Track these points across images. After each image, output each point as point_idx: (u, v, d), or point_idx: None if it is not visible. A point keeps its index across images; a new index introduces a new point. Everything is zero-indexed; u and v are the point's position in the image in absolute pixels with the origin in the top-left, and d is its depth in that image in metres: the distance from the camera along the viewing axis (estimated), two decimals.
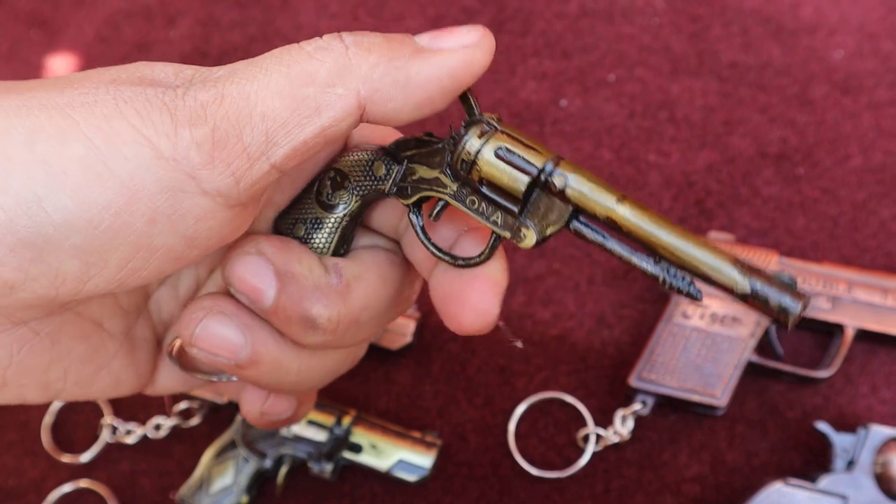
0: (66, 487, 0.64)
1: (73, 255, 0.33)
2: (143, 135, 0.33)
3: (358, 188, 0.41)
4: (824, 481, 0.59)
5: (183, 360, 0.45)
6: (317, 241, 0.42)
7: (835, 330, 0.66)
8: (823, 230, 0.72)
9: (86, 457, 0.65)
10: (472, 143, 0.38)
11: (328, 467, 0.62)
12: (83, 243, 0.33)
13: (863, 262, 0.70)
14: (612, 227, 0.37)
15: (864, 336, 0.66)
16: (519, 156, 0.38)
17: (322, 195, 0.42)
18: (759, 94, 0.79)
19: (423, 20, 0.85)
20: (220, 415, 0.66)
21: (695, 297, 0.38)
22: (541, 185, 0.38)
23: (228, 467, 0.61)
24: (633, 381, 0.64)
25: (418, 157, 0.40)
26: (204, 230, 0.35)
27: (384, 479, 0.63)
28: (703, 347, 0.64)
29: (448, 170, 0.39)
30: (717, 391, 0.63)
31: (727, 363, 0.63)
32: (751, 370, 0.65)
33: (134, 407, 0.67)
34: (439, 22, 0.85)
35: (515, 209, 0.38)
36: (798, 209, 0.73)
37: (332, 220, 0.42)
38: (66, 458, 0.65)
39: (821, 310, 0.65)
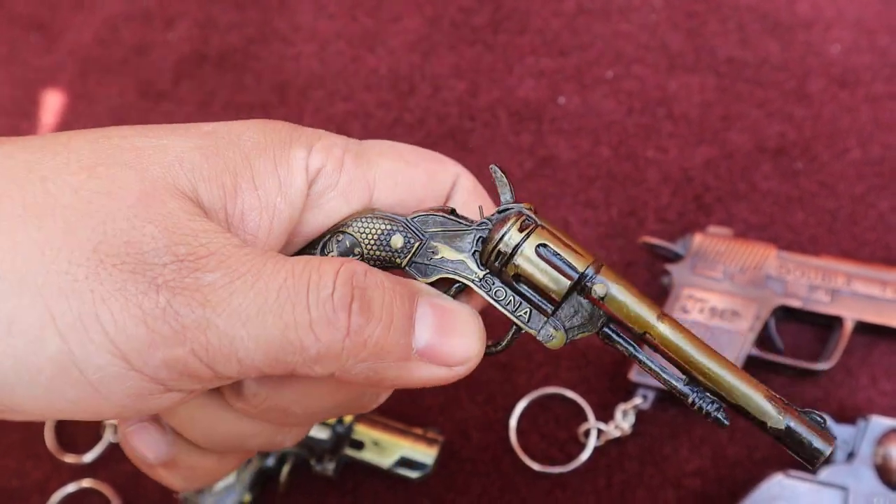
0: (70, 488, 0.64)
1: (36, 413, 0.33)
2: (116, 346, 0.32)
3: (369, 257, 0.38)
4: (825, 473, 0.59)
5: None
6: None
7: (834, 323, 0.66)
8: (822, 224, 0.72)
9: (89, 457, 0.65)
10: (512, 236, 0.36)
11: (330, 465, 0.62)
12: (48, 414, 0.34)
13: (862, 254, 0.71)
14: (647, 342, 0.36)
15: (863, 328, 0.66)
16: (561, 257, 0.36)
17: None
18: (756, 90, 0.79)
19: (420, 20, 0.85)
20: None
21: (722, 424, 0.36)
22: (579, 289, 0.36)
23: None
24: (633, 376, 0.64)
25: (443, 235, 0.38)
26: (166, 408, 0.35)
27: (386, 476, 0.63)
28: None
29: (477, 256, 0.37)
30: None
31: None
32: (751, 364, 0.65)
33: None
34: (437, 22, 0.85)
35: (548, 308, 0.37)
36: (797, 203, 0.73)
37: None
38: (69, 459, 0.65)
39: (820, 303, 0.66)
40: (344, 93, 0.82)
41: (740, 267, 0.67)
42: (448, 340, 0.36)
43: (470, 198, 0.42)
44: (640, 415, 0.65)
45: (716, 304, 0.65)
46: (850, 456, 0.60)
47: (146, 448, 0.41)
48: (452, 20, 0.85)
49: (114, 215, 0.33)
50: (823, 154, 0.75)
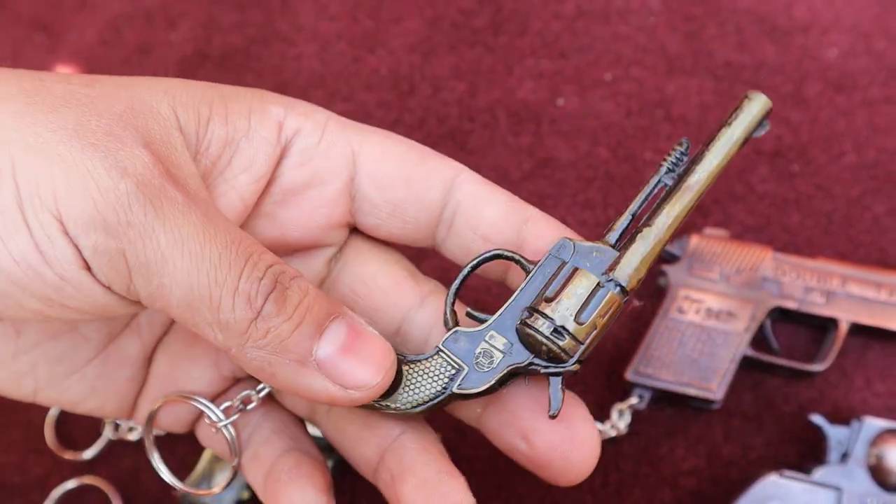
0: (70, 484, 0.64)
1: None
2: (59, 210, 0.33)
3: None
4: (819, 473, 0.60)
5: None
6: None
7: (829, 324, 0.67)
8: (818, 226, 0.73)
9: (89, 454, 0.66)
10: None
11: (329, 463, 0.62)
12: None
13: (857, 257, 0.71)
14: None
15: (858, 330, 0.66)
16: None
17: None
18: None
19: (420, 21, 0.86)
20: None
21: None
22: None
23: (230, 464, 0.62)
24: (629, 376, 0.64)
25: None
26: (73, 312, 0.36)
27: None
28: (699, 342, 0.65)
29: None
30: (713, 385, 0.63)
31: (723, 357, 0.64)
32: (746, 364, 0.65)
33: None
34: (437, 23, 0.86)
35: None
36: (793, 205, 0.74)
37: None
38: (69, 456, 0.66)
39: (815, 304, 0.66)
40: (345, 93, 0.82)
41: (736, 268, 0.67)
42: (349, 361, 0.36)
43: (479, 205, 0.42)
44: (636, 414, 0.65)
45: (712, 304, 0.66)
46: (845, 457, 0.60)
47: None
48: (453, 22, 0.86)
49: (100, 112, 0.34)
50: (819, 157, 0.76)
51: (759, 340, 0.67)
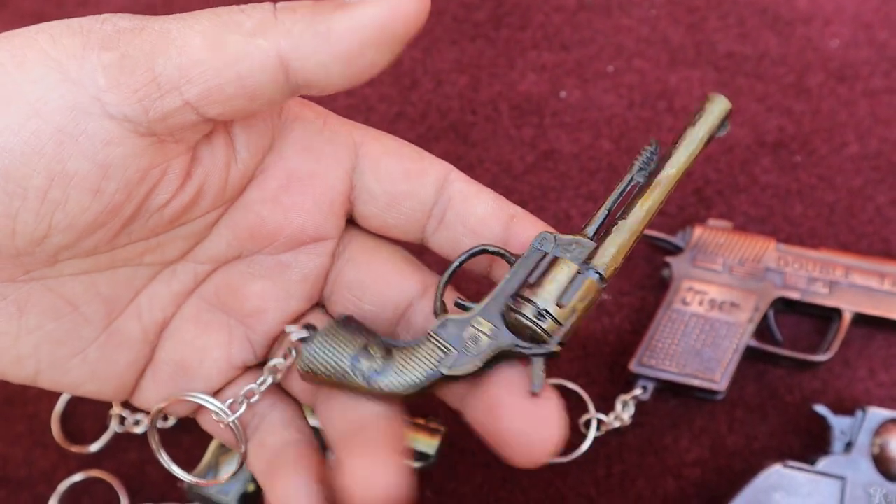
0: (76, 477, 0.65)
1: None
2: (52, 57, 0.34)
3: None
4: (823, 463, 0.60)
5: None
6: None
7: (833, 314, 0.67)
8: (821, 217, 0.73)
9: (95, 447, 0.66)
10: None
11: (334, 455, 0.63)
12: None
13: (860, 247, 0.71)
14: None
15: (861, 320, 0.67)
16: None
17: None
18: (756, 84, 0.80)
19: None
20: None
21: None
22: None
23: (235, 455, 0.62)
24: (633, 367, 0.64)
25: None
26: (116, 157, 0.35)
27: None
28: (703, 333, 0.65)
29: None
30: (717, 376, 0.64)
31: (726, 348, 0.64)
32: (750, 355, 0.66)
33: None
34: (439, 17, 0.86)
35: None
36: (795, 196, 0.74)
37: None
38: (75, 449, 0.66)
39: (819, 295, 0.66)
40: None
41: (740, 259, 0.67)
42: None
43: (469, 201, 0.44)
44: (640, 406, 0.66)
45: (715, 296, 0.66)
46: (848, 446, 0.61)
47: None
48: (454, 15, 0.86)
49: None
50: (822, 148, 0.76)
51: (762, 331, 0.67)
